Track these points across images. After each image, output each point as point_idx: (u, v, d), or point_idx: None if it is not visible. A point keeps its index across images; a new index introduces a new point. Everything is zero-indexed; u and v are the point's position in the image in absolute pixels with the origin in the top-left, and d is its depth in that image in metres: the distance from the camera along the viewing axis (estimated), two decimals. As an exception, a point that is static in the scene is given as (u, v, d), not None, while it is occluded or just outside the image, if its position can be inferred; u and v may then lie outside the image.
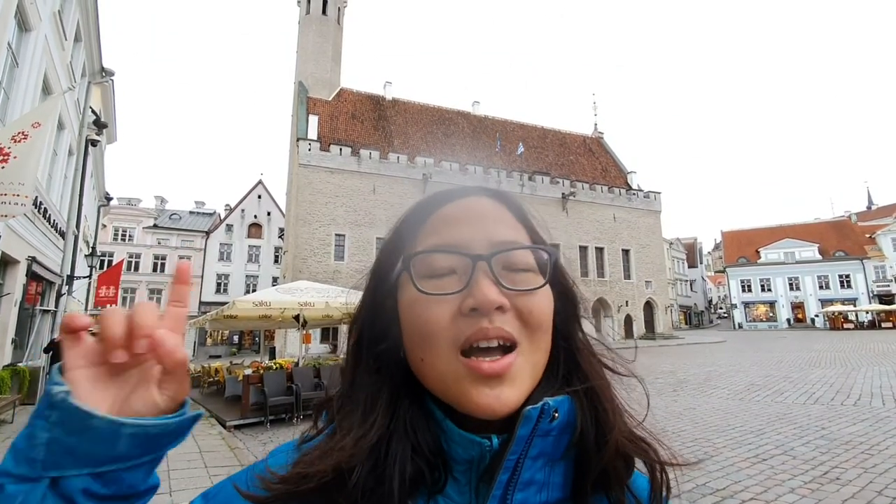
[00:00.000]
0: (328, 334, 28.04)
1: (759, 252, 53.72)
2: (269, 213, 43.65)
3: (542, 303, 0.46)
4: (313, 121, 32.31)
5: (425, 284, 0.45)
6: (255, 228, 43.06)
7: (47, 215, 11.92)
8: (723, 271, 59.79)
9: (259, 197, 44.02)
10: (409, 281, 0.46)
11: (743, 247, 55.88)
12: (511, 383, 0.43)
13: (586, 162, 43.10)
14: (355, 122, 34.94)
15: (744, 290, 54.34)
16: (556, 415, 0.44)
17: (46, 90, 10.92)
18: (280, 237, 41.71)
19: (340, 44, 38.79)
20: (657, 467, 0.48)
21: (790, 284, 51.54)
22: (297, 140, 30.73)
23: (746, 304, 54.14)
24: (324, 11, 37.72)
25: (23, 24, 9.05)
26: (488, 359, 0.43)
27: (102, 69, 15.93)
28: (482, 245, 0.46)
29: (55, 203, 13.06)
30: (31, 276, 11.63)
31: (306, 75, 35.43)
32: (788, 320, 51.19)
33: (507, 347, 0.44)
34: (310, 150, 30.19)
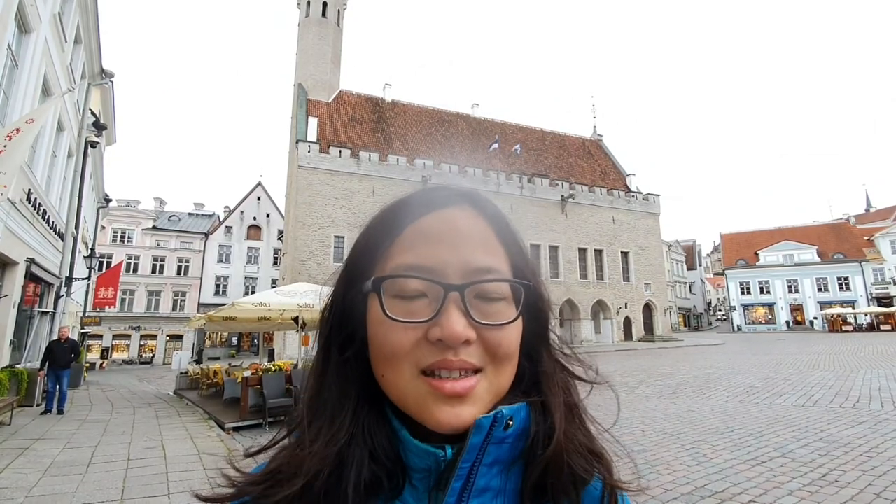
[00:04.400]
0: (327, 336, 27.97)
1: (757, 254, 53.79)
2: (268, 215, 43.66)
3: (512, 335, 0.46)
4: (313, 123, 32.34)
5: (394, 306, 0.45)
6: (254, 230, 43.05)
7: (46, 217, 11.91)
8: (722, 273, 59.83)
9: (258, 199, 44.02)
10: (378, 301, 0.45)
11: (742, 249, 55.95)
12: (472, 403, 0.44)
13: (585, 164, 43.16)
14: (355, 125, 34.98)
15: (743, 293, 54.40)
16: (511, 423, 0.44)
17: (46, 92, 10.92)
18: (279, 239, 41.70)
19: (340, 46, 38.85)
20: (605, 487, 0.49)
21: (789, 287, 51.59)
22: (297, 142, 30.76)
23: (745, 307, 54.19)
24: (323, 14, 37.80)
25: (23, 26, 9.06)
26: (451, 378, 0.44)
27: (102, 71, 15.95)
28: (457, 272, 0.45)
29: (54, 204, 13.05)
30: (30, 277, 11.60)
31: (306, 77, 35.48)
32: (787, 322, 51.23)
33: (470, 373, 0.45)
34: (309, 151, 30.21)
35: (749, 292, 53.98)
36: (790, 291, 51.56)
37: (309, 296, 10.68)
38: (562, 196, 37.24)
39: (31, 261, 11.31)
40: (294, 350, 22.52)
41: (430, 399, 0.43)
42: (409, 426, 0.46)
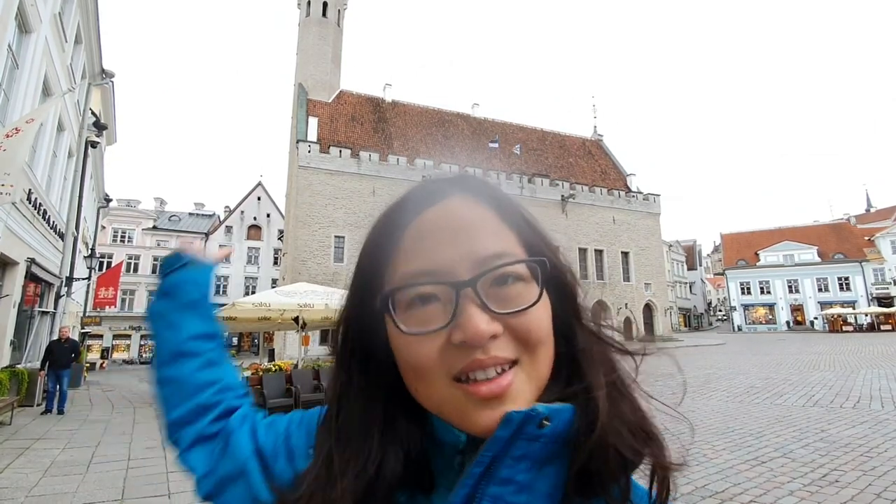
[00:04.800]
0: (327, 336, 27.99)
1: (758, 254, 53.78)
2: (268, 215, 43.69)
3: (540, 317, 0.43)
4: (313, 123, 32.34)
5: (408, 318, 0.43)
6: (254, 230, 43.09)
7: (46, 217, 11.91)
8: (722, 274, 59.83)
9: (258, 199, 44.06)
10: (391, 318, 0.43)
11: (742, 249, 55.95)
12: (512, 402, 0.41)
13: (586, 164, 43.16)
14: (355, 125, 34.98)
15: (743, 293, 54.39)
16: (547, 422, 0.41)
17: (46, 92, 10.93)
18: (279, 239, 41.72)
19: (340, 46, 38.85)
20: (656, 468, 0.44)
21: (789, 287, 51.58)
22: (297, 142, 30.76)
23: (746, 307, 54.18)
24: (324, 14, 37.79)
25: (23, 26, 9.07)
26: (485, 380, 0.41)
27: (103, 71, 15.96)
28: (465, 266, 0.42)
29: (54, 204, 13.06)
30: (30, 277, 11.61)
31: (306, 77, 35.48)
32: (788, 323, 51.22)
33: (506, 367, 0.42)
34: (309, 151, 30.21)
35: (749, 292, 53.97)
36: (790, 291, 51.55)
37: (309, 296, 10.69)
38: (562, 196, 37.24)
39: (32, 261, 11.31)
40: (294, 350, 22.51)
41: (468, 405, 0.41)
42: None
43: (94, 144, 15.94)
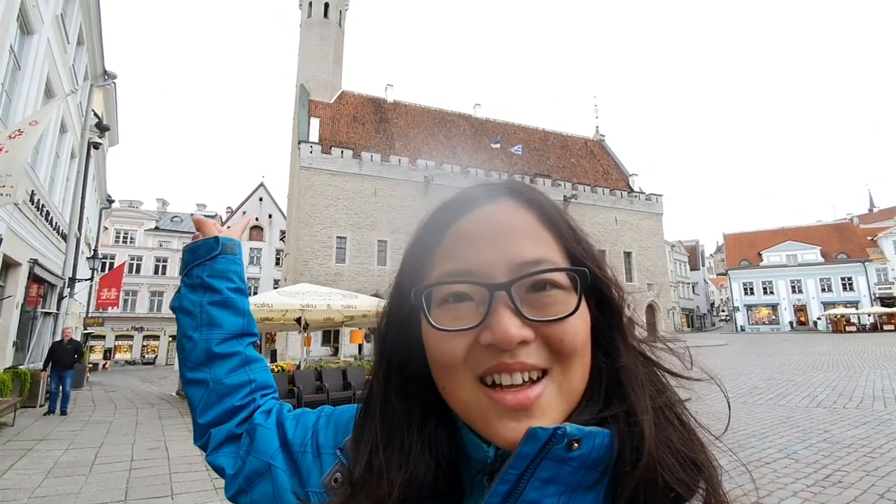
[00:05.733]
0: (329, 337, 28.03)
1: (761, 255, 53.63)
2: (270, 216, 43.76)
3: (577, 327, 0.41)
4: (315, 123, 32.39)
5: (441, 315, 0.43)
6: (256, 231, 43.16)
7: (49, 218, 11.94)
8: (725, 274, 59.69)
9: (260, 199, 44.14)
10: (423, 313, 0.44)
11: (745, 249, 55.79)
12: (540, 416, 0.40)
13: (588, 164, 43.12)
14: (357, 125, 35.01)
15: (746, 293, 54.23)
16: (577, 445, 0.38)
17: (49, 93, 10.97)
18: (281, 240, 41.77)
19: (342, 47, 38.90)
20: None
21: (792, 287, 51.42)
22: (299, 143, 30.80)
23: (749, 307, 54.02)
24: (325, 14, 37.83)
25: (25, 27, 9.10)
26: (513, 389, 0.40)
27: (105, 72, 16.00)
28: (502, 269, 0.42)
29: (57, 205, 13.09)
30: (33, 278, 11.64)
31: (308, 78, 35.53)
32: (791, 323, 51.05)
33: (534, 376, 0.41)
34: (311, 152, 30.24)
35: (752, 293, 53.82)
36: (794, 292, 51.38)
37: (311, 296, 10.69)
38: (564, 196, 37.20)
39: (34, 262, 11.34)
40: (296, 350, 22.53)
41: (492, 413, 0.40)
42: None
43: (96, 146, 15.98)
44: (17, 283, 10.60)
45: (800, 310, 51.23)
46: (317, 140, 31.31)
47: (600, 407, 0.43)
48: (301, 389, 8.90)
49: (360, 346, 25.53)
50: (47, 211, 11.72)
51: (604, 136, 47.63)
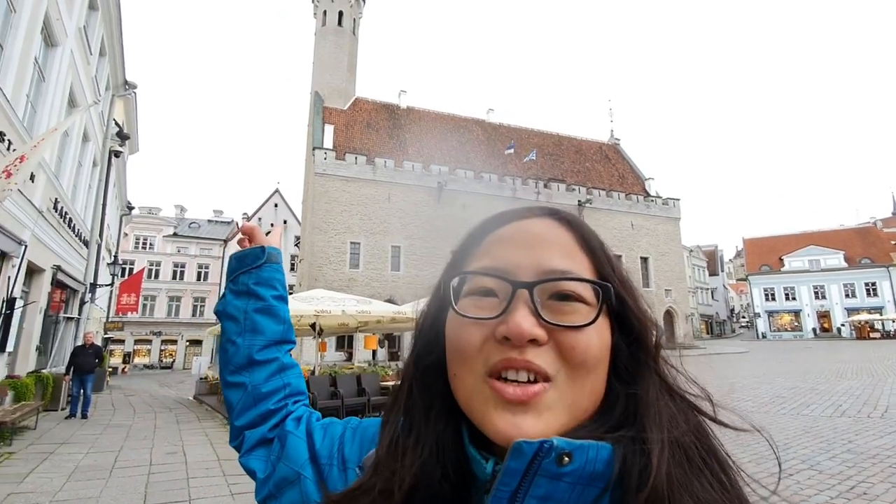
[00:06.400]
0: (343, 342, 28.16)
1: (782, 260, 52.50)
2: (285, 222, 44.23)
3: (590, 340, 0.42)
4: (329, 130, 32.73)
5: (465, 304, 0.45)
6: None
7: (72, 225, 12.24)
8: (745, 279, 58.50)
9: (276, 205, 44.71)
10: (450, 298, 0.46)
11: (765, 254, 54.68)
12: (536, 414, 0.41)
13: (603, 169, 42.78)
14: (370, 131, 35.29)
15: (767, 299, 53.08)
16: (568, 459, 0.38)
17: (72, 103, 11.26)
18: (296, 245, 42.19)
19: (356, 54, 39.32)
20: None
21: (815, 293, 50.19)
22: (313, 149, 31.15)
23: (770, 314, 52.85)
24: (339, 23, 38.31)
25: (49, 40, 9.37)
26: (515, 383, 0.41)
27: (126, 82, 16.40)
28: (529, 272, 0.44)
29: (79, 213, 13.41)
30: (56, 284, 11.92)
31: (322, 85, 35.96)
32: (814, 330, 49.80)
33: (538, 380, 0.42)
34: (325, 158, 30.55)
35: (774, 298, 52.65)
36: (816, 297, 50.15)
37: (326, 302, 10.75)
38: (578, 201, 36.94)
39: (58, 268, 11.62)
40: (311, 356, 22.65)
41: (491, 404, 0.41)
42: (476, 435, 0.44)
43: (117, 154, 16.35)
44: (41, 289, 10.86)
45: (823, 316, 49.96)
46: (331, 146, 31.63)
47: (609, 428, 0.42)
48: (316, 395, 8.92)
49: (374, 352, 25.62)
50: (70, 218, 12.02)
51: (619, 140, 47.25)
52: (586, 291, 0.43)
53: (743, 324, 76.97)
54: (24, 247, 8.73)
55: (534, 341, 0.41)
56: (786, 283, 51.88)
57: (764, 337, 52.18)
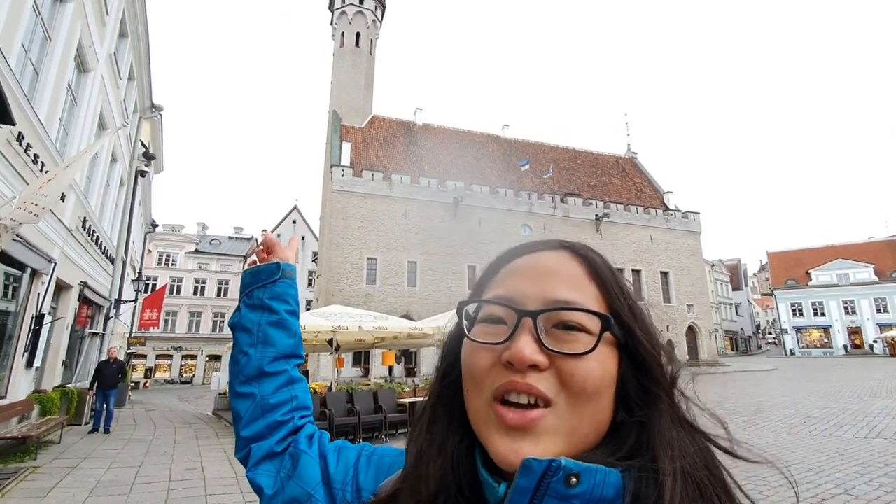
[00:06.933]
0: (360, 358, 28.16)
1: (809, 274, 51.00)
2: (303, 238, 44.82)
3: (590, 368, 0.43)
4: (346, 147, 33.27)
5: (478, 330, 0.48)
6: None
7: (98, 242, 12.59)
8: (770, 294, 56.93)
9: (294, 222, 45.40)
10: (463, 324, 0.50)
11: (791, 268, 53.20)
12: (534, 440, 0.42)
13: (620, 182, 42.45)
14: (387, 148, 35.75)
15: (794, 315, 51.47)
16: (576, 480, 0.39)
17: (102, 125, 11.69)
18: (314, 261, 42.65)
19: (373, 73, 40.10)
20: None
21: (845, 308, 48.51)
22: (331, 166, 31.64)
23: (798, 329, 51.19)
24: (357, 44, 39.21)
25: (81, 66, 9.78)
26: (516, 408, 0.43)
27: (152, 105, 16.97)
28: (535, 301, 0.46)
29: (106, 231, 13.81)
30: (82, 300, 12.24)
31: (340, 104, 36.68)
32: (845, 346, 48.02)
33: (539, 404, 0.43)
34: (343, 175, 31.00)
35: (801, 314, 51.03)
36: (846, 313, 48.45)
37: (343, 318, 10.79)
38: (596, 215, 36.65)
39: (84, 284, 11.93)
40: (328, 372, 22.69)
41: (493, 428, 0.44)
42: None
43: (143, 174, 16.86)
44: (69, 305, 11.15)
45: (854, 332, 48.19)
46: (348, 163, 32.11)
47: (616, 457, 0.43)
48: (333, 412, 8.90)
49: (391, 368, 25.53)
50: (97, 236, 12.38)
51: (636, 153, 46.93)
52: (589, 321, 0.45)
53: (770, 340, 74.74)
54: (53, 264, 9.00)
55: (535, 367, 0.43)
56: (814, 298, 50.29)
57: (792, 354, 50.50)
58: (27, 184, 6.82)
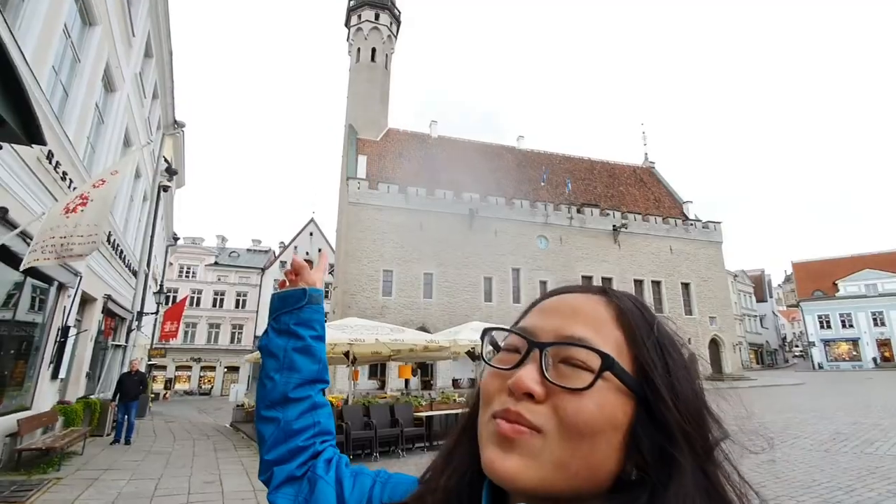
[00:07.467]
0: (376, 370, 28.14)
1: (836, 284, 49.49)
2: (319, 250, 45.25)
3: (583, 405, 0.43)
4: (362, 160, 33.68)
5: (498, 356, 0.51)
6: (307, 264, 44.70)
7: (122, 256, 12.90)
8: (796, 306, 55.36)
9: (311, 234, 45.93)
10: (482, 349, 0.54)
11: (817, 279, 51.70)
12: (521, 455, 0.43)
13: (637, 192, 42.01)
14: (402, 161, 36.07)
15: (822, 327, 49.88)
16: None
17: (127, 142, 12.05)
18: (330, 273, 43.04)
19: (388, 87, 40.68)
20: None
21: (874, 320, 46.85)
22: (347, 179, 32.03)
23: (826, 342, 49.55)
24: (372, 59, 39.90)
25: (108, 86, 10.12)
26: (510, 421, 0.45)
27: (175, 122, 17.46)
28: (549, 335, 0.48)
29: (130, 245, 14.15)
30: (106, 312, 12.52)
31: (356, 118, 37.22)
32: (874, 359, 46.28)
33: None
34: (359, 188, 31.33)
35: (829, 326, 49.44)
36: (876, 325, 46.77)
37: (359, 330, 10.81)
38: (613, 226, 36.27)
39: (108, 297, 12.21)
40: (344, 384, 22.70)
41: (487, 437, 0.46)
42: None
43: (165, 188, 17.28)
44: (93, 317, 11.42)
45: (883, 344, 46.45)
46: (364, 176, 32.46)
47: None
48: (349, 425, 8.87)
49: (407, 381, 25.44)
50: (121, 250, 12.69)
51: (654, 162, 46.47)
52: (592, 360, 0.44)
53: (797, 353, 72.44)
54: (79, 278, 9.24)
55: (531, 397, 0.44)
56: (841, 310, 48.72)
57: (820, 367, 48.86)
58: (56, 200, 7.05)
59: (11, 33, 5.32)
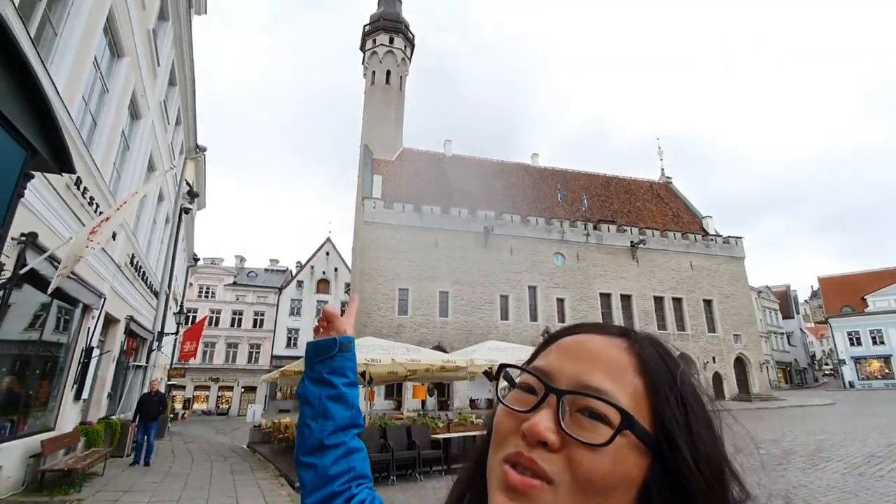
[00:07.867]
0: (392, 391, 27.95)
1: (865, 300, 47.87)
2: (336, 269, 45.62)
3: (600, 462, 0.42)
4: (377, 180, 34.09)
5: (512, 395, 0.50)
6: (323, 284, 45.00)
7: (144, 277, 13.18)
8: (825, 322, 53.57)
9: (327, 254, 46.34)
10: (496, 387, 0.53)
11: (846, 294, 50.06)
12: None
13: (655, 208, 41.56)
14: (417, 180, 36.39)
15: (852, 344, 48.10)
16: None
17: (151, 167, 12.42)
18: (346, 292, 43.23)
19: (402, 108, 41.39)
20: None
21: (907, 335, 45.05)
22: (363, 199, 32.40)
23: (856, 360, 47.70)
24: (387, 81, 40.74)
25: (134, 114, 10.49)
26: (521, 471, 0.44)
27: (197, 146, 17.96)
28: (567, 381, 0.46)
29: (152, 266, 14.46)
30: (128, 333, 12.73)
31: (371, 138, 37.85)
32: (909, 377, 44.35)
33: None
34: (374, 207, 31.65)
35: (860, 343, 47.66)
36: (909, 341, 44.96)
37: (375, 350, 10.78)
38: (631, 242, 35.83)
39: (131, 318, 12.44)
40: (361, 405, 22.56)
41: (495, 484, 0.45)
42: None
43: (186, 211, 17.70)
44: (115, 338, 11.62)
45: (918, 361, 44.53)
46: (379, 196, 32.81)
47: None
48: (366, 448, 8.77)
49: (423, 402, 25.19)
50: (143, 271, 12.96)
51: (670, 178, 46.06)
52: (613, 415, 0.43)
53: (827, 371, 69.77)
54: (103, 299, 9.44)
55: (545, 445, 0.43)
56: (871, 326, 46.98)
57: (852, 386, 46.98)
58: (83, 225, 7.26)
59: (45, 67, 5.56)
